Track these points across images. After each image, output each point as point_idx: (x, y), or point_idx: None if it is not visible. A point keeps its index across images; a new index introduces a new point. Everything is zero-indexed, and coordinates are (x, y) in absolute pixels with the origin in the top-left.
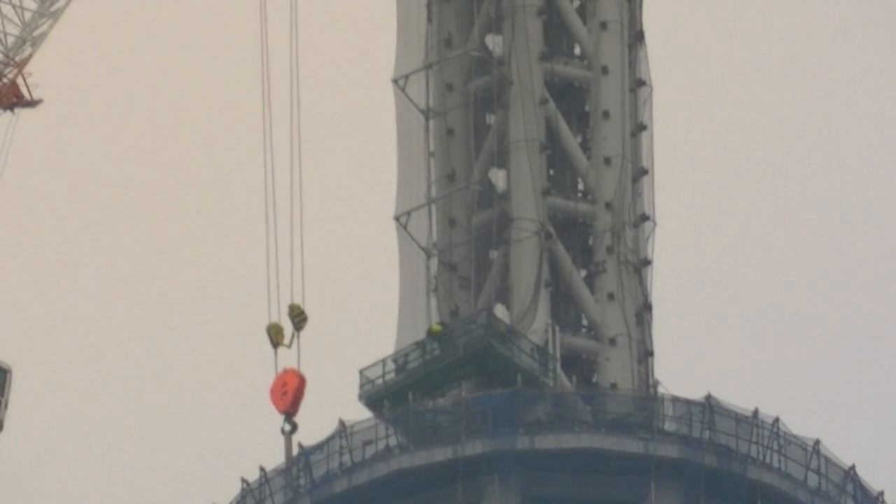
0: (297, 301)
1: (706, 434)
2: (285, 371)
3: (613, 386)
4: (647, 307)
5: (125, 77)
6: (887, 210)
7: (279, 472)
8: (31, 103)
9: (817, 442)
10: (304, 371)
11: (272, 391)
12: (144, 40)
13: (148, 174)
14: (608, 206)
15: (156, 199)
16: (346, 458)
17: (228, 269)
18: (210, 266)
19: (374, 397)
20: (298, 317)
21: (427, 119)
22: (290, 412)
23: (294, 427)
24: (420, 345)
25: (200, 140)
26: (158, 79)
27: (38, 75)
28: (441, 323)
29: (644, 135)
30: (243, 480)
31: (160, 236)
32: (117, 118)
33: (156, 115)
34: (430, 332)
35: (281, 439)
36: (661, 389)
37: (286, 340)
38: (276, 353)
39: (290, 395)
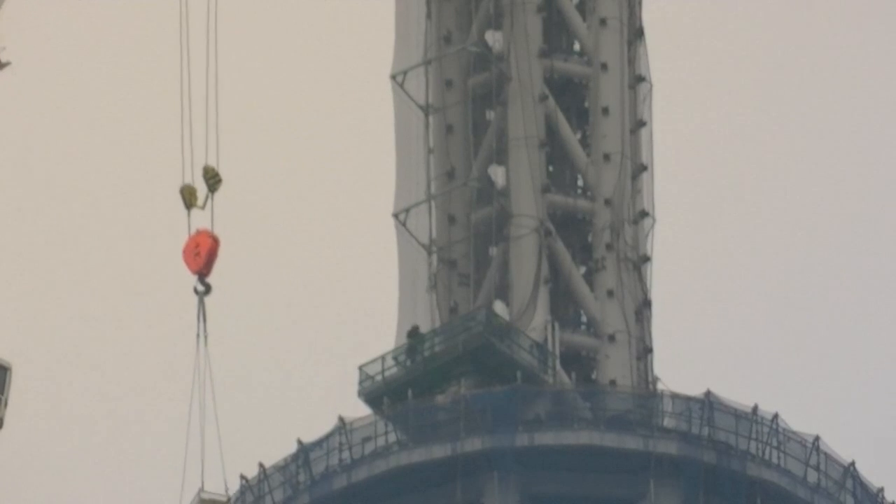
0: (212, 163)
1: (705, 431)
2: (198, 232)
3: (613, 383)
4: (647, 304)
5: (92, 38)
6: (887, 208)
7: (278, 468)
8: None
9: (817, 438)
10: (305, 367)
11: (185, 252)
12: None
13: (114, 133)
14: (607, 202)
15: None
16: (346, 454)
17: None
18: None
19: (373, 394)
20: (213, 178)
21: (426, 115)
22: (203, 273)
23: (208, 288)
24: (420, 339)
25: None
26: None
27: (4, 38)
28: (412, 333)
29: (643, 131)
30: (242, 477)
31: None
32: (85, 80)
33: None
34: (408, 336)
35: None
36: (660, 386)
37: (200, 202)
38: (189, 215)
39: (203, 255)
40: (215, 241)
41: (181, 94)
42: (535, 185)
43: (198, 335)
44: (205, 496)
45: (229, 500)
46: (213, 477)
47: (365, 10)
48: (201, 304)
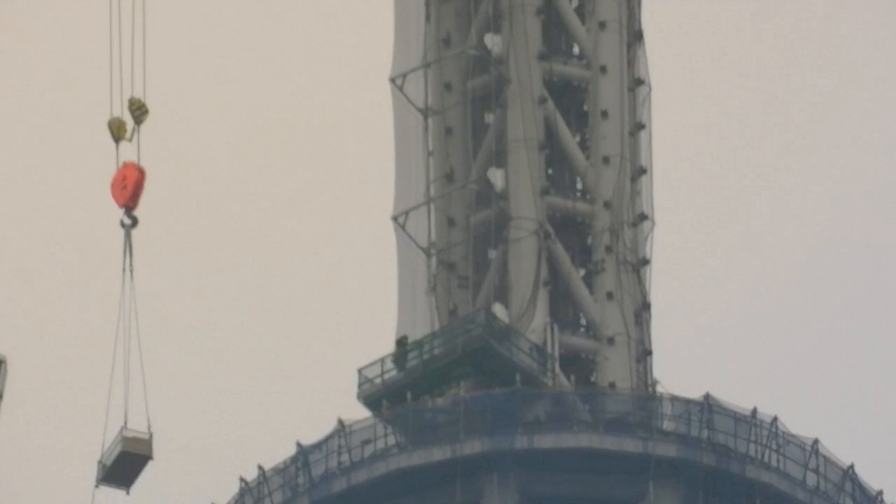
0: (138, 94)
1: (705, 433)
2: (125, 165)
3: (612, 385)
4: (646, 306)
5: None
6: (887, 209)
7: (277, 471)
8: None
9: (816, 441)
10: (304, 370)
11: (113, 185)
12: None
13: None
14: (607, 205)
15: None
16: (345, 457)
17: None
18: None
19: (372, 397)
20: (139, 110)
21: (425, 118)
22: (129, 205)
23: (134, 221)
24: (419, 344)
25: None
26: None
27: None
28: (401, 341)
29: (643, 134)
30: (241, 479)
31: None
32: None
33: None
34: (399, 343)
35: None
36: (659, 389)
37: (128, 135)
38: (117, 148)
39: (129, 188)
40: (141, 173)
41: (110, 31)
42: (535, 187)
43: (123, 269)
44: (127, 434)
45: (151, 436)
46: (213, 479)
47: (364, 13)
48: (128, 237)
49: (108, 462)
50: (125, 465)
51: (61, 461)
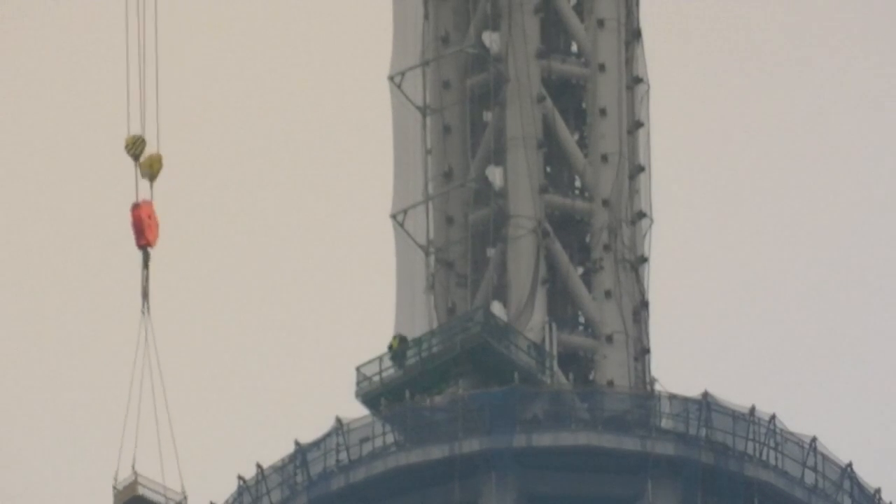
0: (136, 132)
1: (703, 431)
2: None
3: (610, 383)
4: (644, 304)
5: None
6: (887, 208)
7: (276, 469)
8: None
9: (814, 439)
10: (303, 368)
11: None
12: None
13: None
14: (605, 203)
15: None
16: (343, 455)
17: None
18: None
19: (371, 395)
20: (135, 146)
21: (424, 116)
22: (140, 244)
23: (145, 256)
24: (417, 342)
25: None
26: None
27: None
28: (399, 337)
29: (641, 132)
30: (240, 478)
31: None
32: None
33: None
34: (390, 347)
35: None
36: (657, 387)
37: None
38: (151, 187)
39: (133, 229)
40: (135, 209)
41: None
42: (533, 185)
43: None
44: (118, 486)
45: (136, 476)
46: (211, 478)
47: (363, 11)
48: (143, 274)
49: None
50: None
51: None
